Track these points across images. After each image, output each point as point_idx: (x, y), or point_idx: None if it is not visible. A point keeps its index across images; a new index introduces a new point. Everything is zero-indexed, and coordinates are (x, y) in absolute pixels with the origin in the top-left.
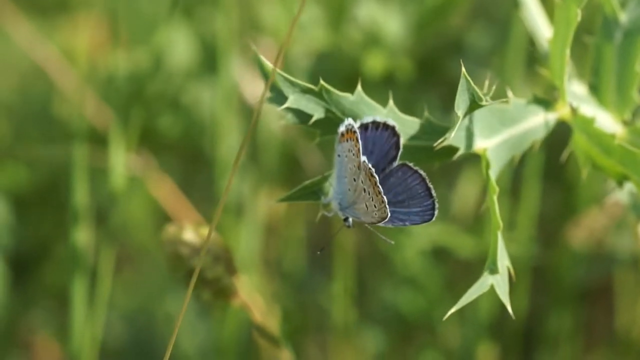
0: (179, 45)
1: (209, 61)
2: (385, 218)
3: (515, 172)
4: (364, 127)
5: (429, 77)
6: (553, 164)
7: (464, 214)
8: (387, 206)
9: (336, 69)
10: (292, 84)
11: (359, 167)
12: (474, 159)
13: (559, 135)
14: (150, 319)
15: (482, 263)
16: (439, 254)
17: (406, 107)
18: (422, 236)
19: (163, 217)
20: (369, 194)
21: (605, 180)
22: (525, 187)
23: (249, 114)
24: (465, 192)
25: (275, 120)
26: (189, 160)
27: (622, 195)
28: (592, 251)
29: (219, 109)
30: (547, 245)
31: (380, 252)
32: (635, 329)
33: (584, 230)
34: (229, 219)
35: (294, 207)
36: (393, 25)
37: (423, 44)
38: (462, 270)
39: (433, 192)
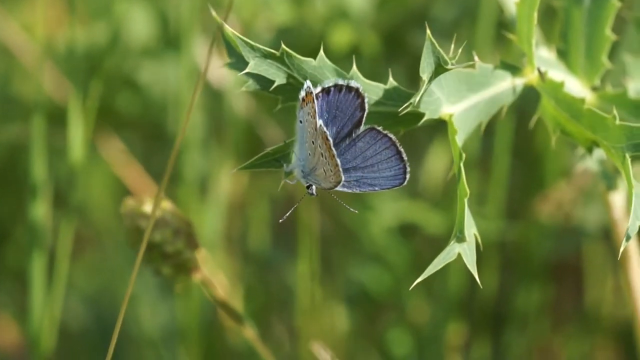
0: (137, 21)
1: (169, 37)
2: (340, 182)
3: (484, 145)
4: (326, 91)
5: (393, 50)
6: (519, 136)
7: (431, 190)
8: (340, 170)
9: (300, 44)
10: (253, 48)
11: (316, 130)
12: (442, 134)
13: (525, 108)
14: (112, 299)
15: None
16: (406, 231)
17: (371, 79)
18: (389, 212)
19: (125, 196)
20: (325, 158)
21: (573, 152)
22: (495, 161)
23: (211, 91)
24: (433, 168)
25: (237, 98)
26: (151, 137)
27: (590, 163)
28: (560, 225)
29: (180, 86)
30: (514, 220)
31: (346, 229)
32: (604, 306)
33: (552, 203)
34: (192, 195)
35: (258, 184)
36: None
37: (387, 17)
38: (429, 247)
39: (404, 155)
